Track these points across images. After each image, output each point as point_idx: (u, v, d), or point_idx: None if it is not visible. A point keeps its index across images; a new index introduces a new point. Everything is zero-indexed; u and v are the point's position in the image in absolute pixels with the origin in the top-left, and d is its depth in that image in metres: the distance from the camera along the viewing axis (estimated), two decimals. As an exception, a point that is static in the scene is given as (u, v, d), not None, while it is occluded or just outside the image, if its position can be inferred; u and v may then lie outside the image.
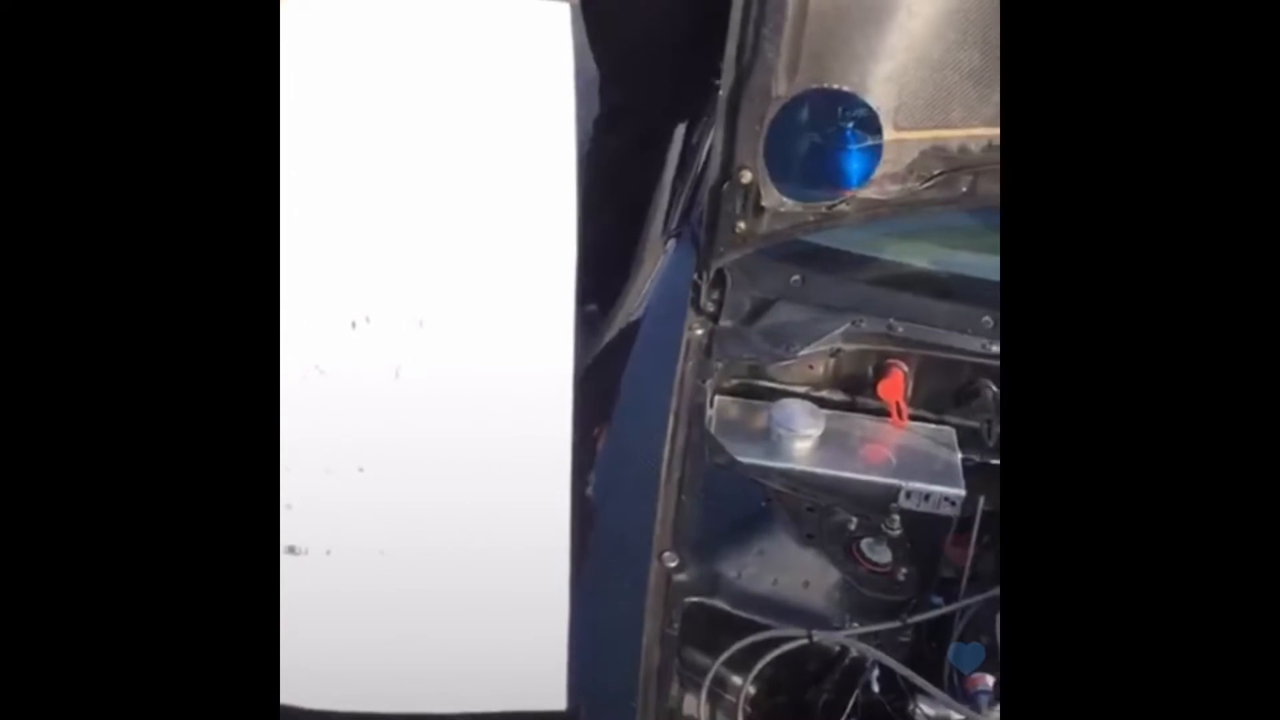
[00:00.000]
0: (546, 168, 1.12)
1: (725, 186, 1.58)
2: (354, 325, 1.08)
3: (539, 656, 1.11)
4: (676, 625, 1.28)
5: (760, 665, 1.27)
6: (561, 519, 1.12)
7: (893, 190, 1.66)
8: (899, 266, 1.73)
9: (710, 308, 1.61)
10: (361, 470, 1.08)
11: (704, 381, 1.56)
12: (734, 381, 1.63)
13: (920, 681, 1.25)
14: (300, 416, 1.00)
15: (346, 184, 1.11)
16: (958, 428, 1.62)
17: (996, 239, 1.75)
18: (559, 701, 1.10)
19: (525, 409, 1.14)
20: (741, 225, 1.60)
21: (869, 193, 1.63)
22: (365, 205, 1.11)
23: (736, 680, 1.29)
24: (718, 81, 1.55)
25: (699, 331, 1.60)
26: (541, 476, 1.12)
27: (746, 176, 1.57)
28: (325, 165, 1.09)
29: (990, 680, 1.27)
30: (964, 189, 1.69)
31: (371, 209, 1.11)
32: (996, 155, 1.71)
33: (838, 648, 1.31)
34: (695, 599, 1.31)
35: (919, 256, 1.74)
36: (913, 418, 1.62)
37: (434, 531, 1.09)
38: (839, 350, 1.63)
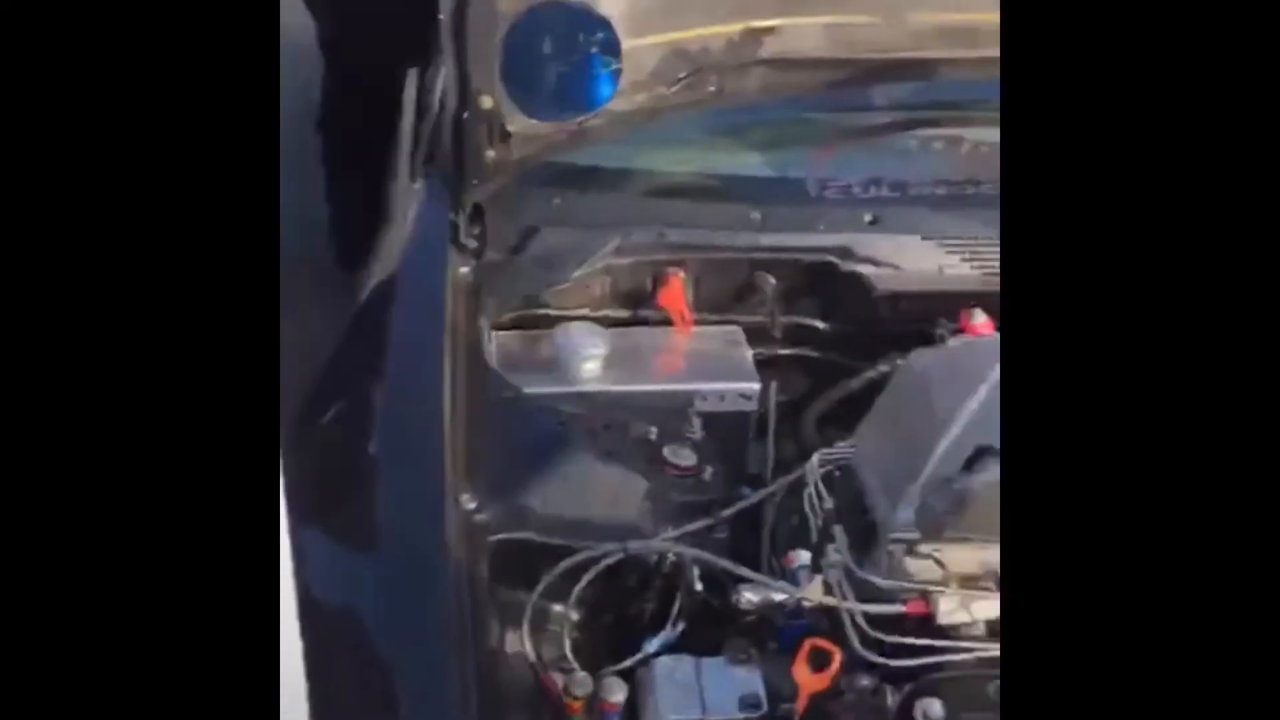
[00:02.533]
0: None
1: (466, 116, 1.51)
2: None
3: None
4: (485, 566, 1.22)
5: (579, 588, 1.23)
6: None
7: (640, 99, 1.63)
8: (661, 175, 1.71)
9: (472, 244, 1.54)
10: None
11: (478, 319, 1.49)
12: (510, 315, 1.57)
13: (740, 570, 1.23)
14: None
15: None
16: (743, 324, 1.61)
17: (756, 135, 1.78)
18: None
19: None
20: (491, 154, 1.54)
21: (617, 104, 1.60)
22: None
23: (558, 608, 1.24)
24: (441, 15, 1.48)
25: (464, 270, 1.53)
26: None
27: (486, 102, 1.51)
28: None
29: (805, 555, 1.26)
30: (712, 88, 1.68)
31: None
32: (738, 53, 1.71)
33: (655, 556, 1.27)
34: (501, 536, 1.25)
35: (680, 163, 1.72)
36: (697, 322, 1.60)
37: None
38: (613, 267, 1.60)
